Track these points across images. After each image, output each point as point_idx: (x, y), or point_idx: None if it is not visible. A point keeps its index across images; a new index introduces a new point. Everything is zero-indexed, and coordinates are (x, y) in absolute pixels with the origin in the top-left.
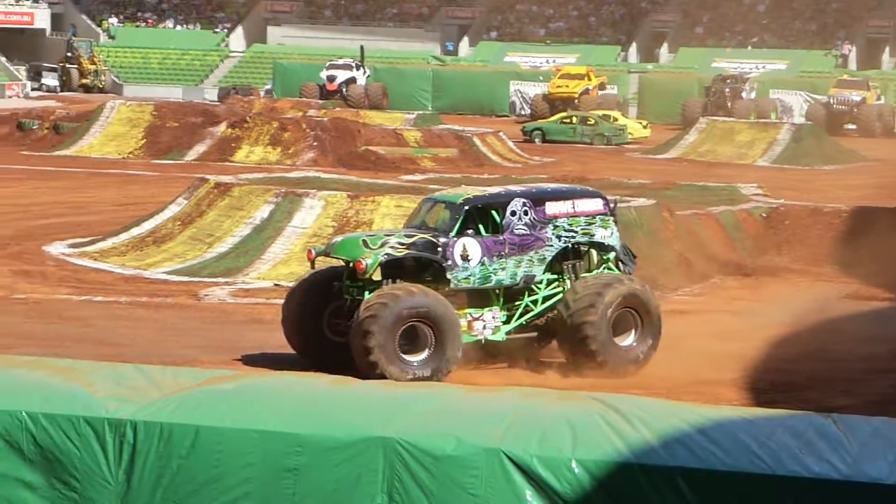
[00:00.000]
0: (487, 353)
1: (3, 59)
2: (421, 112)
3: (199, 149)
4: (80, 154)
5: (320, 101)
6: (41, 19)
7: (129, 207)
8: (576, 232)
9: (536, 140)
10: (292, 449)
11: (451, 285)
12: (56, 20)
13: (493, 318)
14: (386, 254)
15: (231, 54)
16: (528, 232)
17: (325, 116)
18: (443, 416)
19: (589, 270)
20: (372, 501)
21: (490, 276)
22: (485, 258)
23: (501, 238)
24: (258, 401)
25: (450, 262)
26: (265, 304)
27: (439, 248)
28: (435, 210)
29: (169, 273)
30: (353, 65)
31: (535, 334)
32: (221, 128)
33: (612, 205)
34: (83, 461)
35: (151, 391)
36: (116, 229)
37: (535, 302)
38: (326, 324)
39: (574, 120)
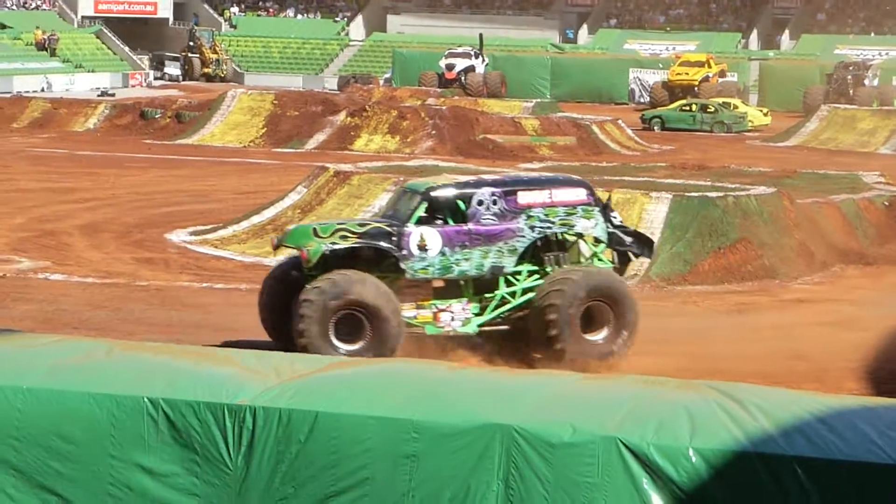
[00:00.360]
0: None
1: (127, 48)
2: (539, 100)
3: (319, 137)
4: (201, 143)
5: (439, 90)
6: (164, 9)
7: (249, 196)
8: (552, 222)
9: (655, 128)
10: (410, 435)
11: (408, 275)
12: (178, 10)
13: (463, 309)
14: (331, 243)
15: (351, 43)
16: (497, 222)
17: (444, 105)
18: (559, 404)
19: (578, 262)
20: (488, 488)
21: (452, 267)
22: (445, 248)
23: (465, 228)
24: (376, 387)
25: (405, 252)
26: None
27: (394, 238)
28: (404, 198)
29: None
30: (472, 53)
31: (506, 327)
32: (341, 116)
33: (597, 195)
34: (203, 446)
35: (271, 377)
36: (237, 217)
37: (513, 294)
38: (294, 313)
39: (694, 108)
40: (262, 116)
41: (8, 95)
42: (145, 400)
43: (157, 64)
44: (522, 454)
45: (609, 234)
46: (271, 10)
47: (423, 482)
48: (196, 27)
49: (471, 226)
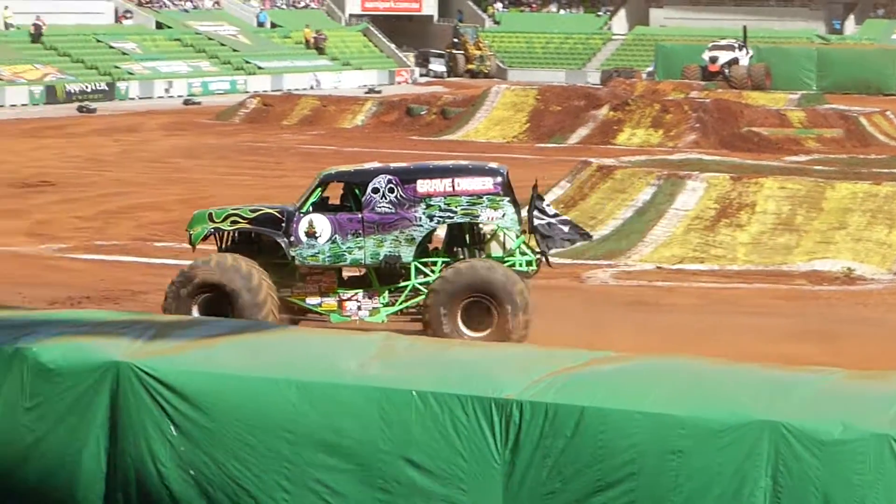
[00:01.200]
0: None
1: (393, 46)
2: (805, 92)
3: (582, 132)
4: (466, 139)
5: (702, 83)
6: (429, 6)
7: None
8: (454, 212)
9: None
10: (676, 431)
11: (297, 262)
12: (443, 6)
13: (370, 299)
14: (214, 227)
15: (613, 37)
16: (392, 210)
17: (708, 98)
18: (828, 401)
19: (500, 254)
20: (756, 485)
21: (343, 255)
22: (336, 236)
23: (358, 216)
24: (642, 382)
25: (292, 239)
26: (648, 286)
27: (282, 224)
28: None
29: (552, 255)
30: (736, 45)
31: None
32: (603, 111)
33: (508, 183)
34: (470, 441)
35: (537, 371)
36: None
37: (427, 284)
38: None
39: None
40: (526, 112)
41: (279, 93)
42: (414, 394)
43: (423, 61)
44: (792, 451)
45: (534, 225)
46: (534, 5)
47: (689, 478)
48: (460, 24)
49: (364, 213)
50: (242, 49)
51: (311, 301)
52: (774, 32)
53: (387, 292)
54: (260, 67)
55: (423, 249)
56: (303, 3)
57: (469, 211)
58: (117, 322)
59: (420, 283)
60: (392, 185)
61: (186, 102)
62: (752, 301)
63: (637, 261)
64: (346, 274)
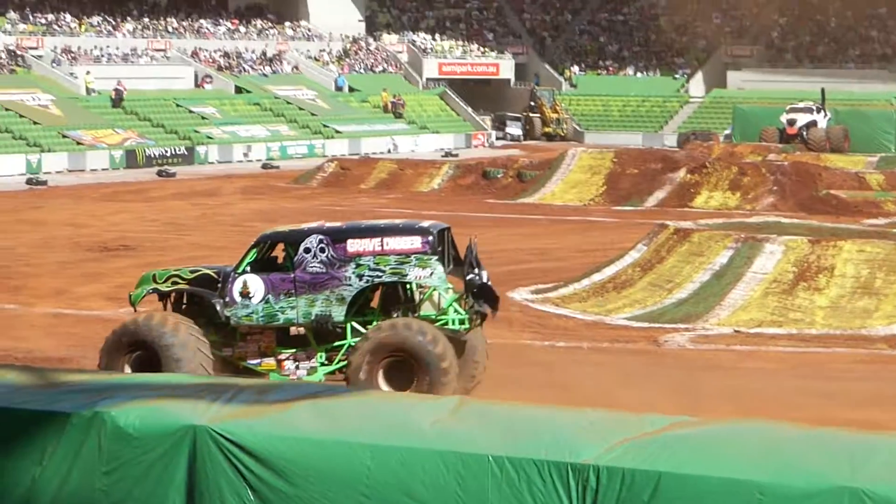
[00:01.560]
0: None
1: (470, 109)
2: (884, 154)
3: (659, 195)
4: (542, 201)
5: (780, 145)
6: (506, 70)
7: (589, 253)
8: (382, 271)
9: None
10: (755, 497)
11: (232, 322)
12: (520, 70)
13: (308, 357)
14: (153, 288)
15: (691, 100)
16: (323, 270)
17: (786, 160)
18: None
19: (433, 312)
20: None
21: (276, 315)
22: (269, 296)
23: (291, 276)
24: (719, 447)
25: (227, 299)
26: (725, 350)
27: (219, 285)
28: None
29: (629, 319)
30: (814, 108)
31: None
32: (681, 173)
33: (435, 244)
34: None
35: (614, 436)
36: (578, 275)
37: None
38: None
39: None
40: (602, 175)
41: (356, 157)
42: (490, 458)
43: (499, 124)
44: None
45: (466, 283)
46: (611, 68)
47: None
48: (537, 87)
49: (296, 273)
50: (321, 113)
51: (252, 361)
52: (853, 95)
53: (324, 352)
54: (338, 131)
55: (359, 308)
56: (381, 68)
57: (397, 270)
58: (194, 385)
59: (354, 343)
60: (323, 245)
61: (265, 166)
62: (831, 365)
63: (715, 324)
64: (293, 332)
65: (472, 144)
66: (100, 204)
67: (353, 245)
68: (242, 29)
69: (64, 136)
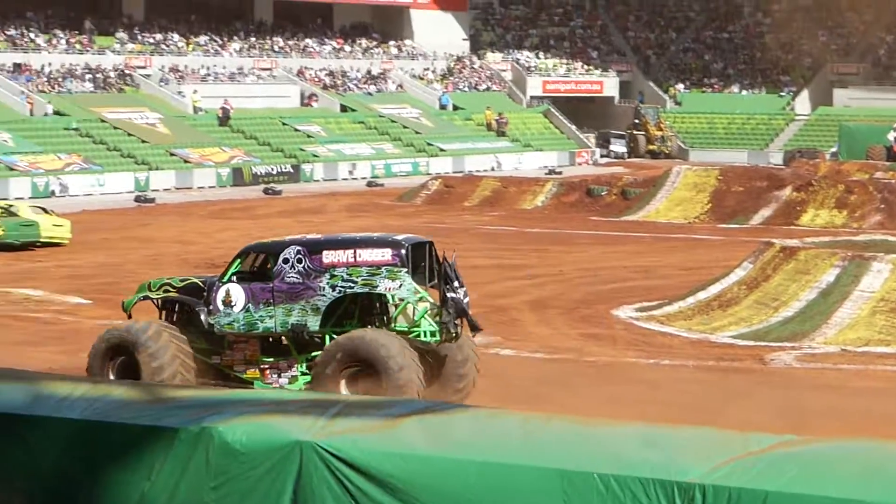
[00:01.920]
0: None
1: (574, 127)
2: None
3: (764, 213)
4: (646, 219)
5: (887, 163)
6: (610, 87)
7: (694, 272)
8: (355, 282)
9: None
10: None
11: (215, 329)
12: (624, 88)
13: (290, 366)
14: (143, 296)
15: (797, 117)
16: (300, 280)
17: (893, 178)
18: None
19: (406, 324)
20: None
21: (256, 324)
22: (250, 305)
23: (270, 285)
24: (828, 466)
25: (211, 307)
26: (832, 368)
27: (204, 294)
28: None
29: (734, 337)
30: None
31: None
32: (786, 191)
33: (404, 257)
34: None
35: (720, 455)
36: (682, 293)
37: None
38: None
39: None
40: (707, 192)
41: (460, 175)
42: (596, 476)
43: (603, 142)
44: None
45: (444, 296)
46: (716, 86)
47: None
48: (641, 104)
49: (275, 283)
50: (425, 131)
51: (238, 368)
52: None
53: (304, 361)
54: (442, 149)
55: (338, 319)
56: (484, 86)
57: (368, 281)
58: (300, 401)
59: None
60: (300, 256)
61: (369, 184)
62: None
63: (821, 343)
64: (284, 341)
65: (576, 162)
66: (207, 221)
67: (328, 256)
68: (347, 48)
69: (171, 155)
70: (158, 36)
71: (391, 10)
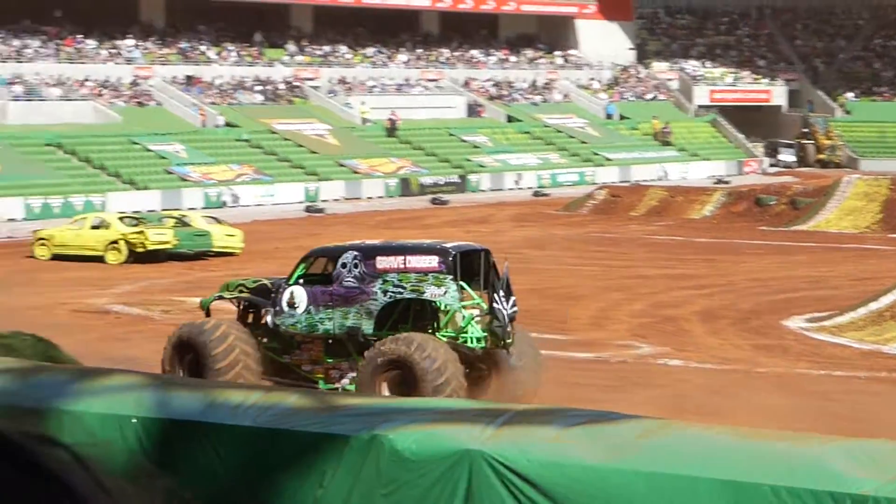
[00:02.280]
0: None
1: (741, 136)
2: None
3: None
4: (816, 229)
5: None
6: (778, 96)
7: (866, 282)
8: (404, 288)
9: None
10: None
11: (281, 329)
12: (792, 96)
13: (351, 368)
14: (218, 295)
15: None
16: (356, 285)
17: None
18: None
19: (453, 330)
20: None
21: (316, 325)
22: (311, 307)
23: (329, 289)
24: None
25: (277, 308)
26: None
27: (272, 295)
28: None
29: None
30: None
31: None
32: None
33: (451, 264)
34: None
35: (894, 467)
36: (854, 304)
37: None
38: None
39: None
40: (878, 202)
41: (626, 184)
42: (768, 488)
43: (772, 151)
44: None
45: (491, 306)
46: (887, 94)
47: None
48: (810, 113)
49: (333, 287)
50: (591, 141)
51: (306, 368)
52: None
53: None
54: (608, 159)
55: (394, 323)
56: (651, 96)
57: (416, 287)
58: (469, 410)
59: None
60: (357, 261)
61: (536, 194)
62: None
63: None
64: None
65: (744, 171)
66: (376, 231)
67: (382, 262)
68: (513, 58)
69: (340, 165)
70: (327, 48)
71: (557, 20)
